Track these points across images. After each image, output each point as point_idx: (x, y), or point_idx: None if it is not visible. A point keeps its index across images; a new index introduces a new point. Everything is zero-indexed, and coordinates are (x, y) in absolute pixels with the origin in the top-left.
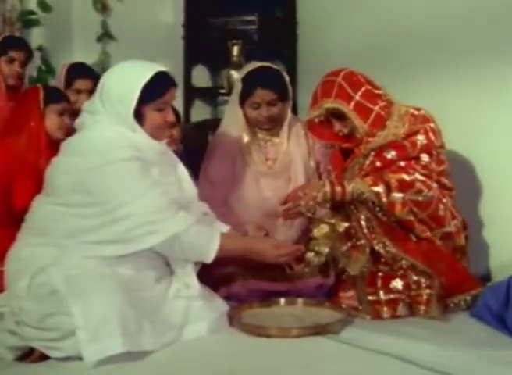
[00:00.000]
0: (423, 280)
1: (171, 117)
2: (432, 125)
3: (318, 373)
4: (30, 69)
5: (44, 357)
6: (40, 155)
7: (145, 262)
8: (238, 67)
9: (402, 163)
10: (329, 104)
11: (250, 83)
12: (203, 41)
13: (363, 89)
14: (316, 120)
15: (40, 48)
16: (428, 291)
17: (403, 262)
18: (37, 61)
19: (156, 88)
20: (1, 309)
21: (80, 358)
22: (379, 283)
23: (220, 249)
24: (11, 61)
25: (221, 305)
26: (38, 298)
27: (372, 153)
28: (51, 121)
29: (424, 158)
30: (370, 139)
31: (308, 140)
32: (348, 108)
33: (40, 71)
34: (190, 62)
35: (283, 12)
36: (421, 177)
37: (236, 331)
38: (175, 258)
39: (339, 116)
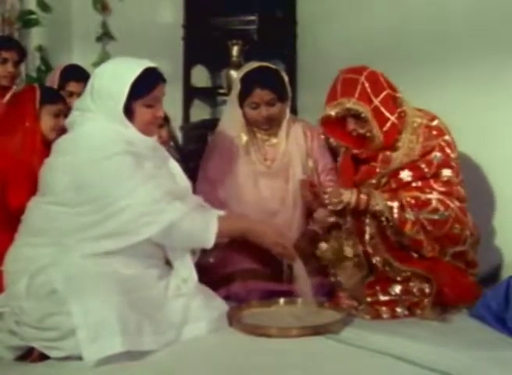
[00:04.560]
0: (427, 286)
1: (160, 113)
2: (446, 138)
3: (318, 373)
4: (30, 69)
5: (43, 357)
6: (34, 156)
7: (147, 261)
8: (238, 67)
9: (419, 183)
10: (351, 104)
11: (249, 83)
12: (202, 41)
13: (384, 94)
14: (333, 117)
15: (39, 48)
16: (429, 298)
17: (407, 273)
18: (36, 61)
19: (145, 84)
20: (0, 309)
21: (79, 358)
22: (378, 287)
23: (219, 232)
24: (4, 61)
25: (220, 305)
26: (38, 298)
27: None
28: (46, 122)
29: (446, 172)
30: (386, 156)
31: (307, 140)
32: (370, 113)
33: (39, 71)
34: (189, 62)
35: (283, 13)
36: (438, 196)
37: (236, 331)
38: (173, 250)
39: (357, 115)
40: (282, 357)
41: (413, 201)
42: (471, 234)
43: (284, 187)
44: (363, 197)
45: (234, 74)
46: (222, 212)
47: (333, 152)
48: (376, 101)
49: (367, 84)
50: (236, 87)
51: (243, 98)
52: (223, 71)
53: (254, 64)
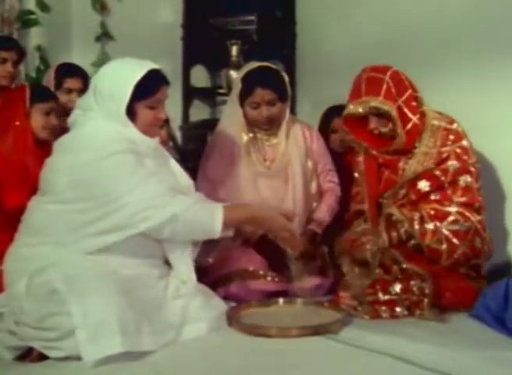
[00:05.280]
0: (427, 286)
1: (162, 115)
2: (463, 143)
3: (318, 373)
4: (29, 69)
5: (43, 357)
6: (27, 154)
7: (147, 261)
8: (237, 67)
9: (438, 196)
10: (377, 103)
11: (250, 82)
12: (202, 41)
13: (407, 93)
14: (356, 115)
15: (38, 48)
16: (428, 298)
17: (410, 271)
18: (35, 61)
19: (148, 86)
20: (0, 309)
21: (79, 358)
22: (378, 286)
23: (225, 220)
24: (3, 61)
25: (220, 305)
26: (38, 298)
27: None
28: (36, 121)
29: (466, 178)
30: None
31: (306, 141)
32: (395, 112)
33: (38, 71)
34: (188, 62)
35: (282, 13)
36: (457, 209)
37: (235, 331)
38: (172, 250)
39: (379, 114)
40: (281, 357)
41: (432, 212)
42: (488, 250)
43: (283, 188)
44: (394, 234)
45: (233, 74)
46: (225, 204)
47: (332, 153)
48: (400, 101)
49: (391, 84)
50: (237, 87)
51: (243, 98)
52: (222, 71)
53: (254, 64)
